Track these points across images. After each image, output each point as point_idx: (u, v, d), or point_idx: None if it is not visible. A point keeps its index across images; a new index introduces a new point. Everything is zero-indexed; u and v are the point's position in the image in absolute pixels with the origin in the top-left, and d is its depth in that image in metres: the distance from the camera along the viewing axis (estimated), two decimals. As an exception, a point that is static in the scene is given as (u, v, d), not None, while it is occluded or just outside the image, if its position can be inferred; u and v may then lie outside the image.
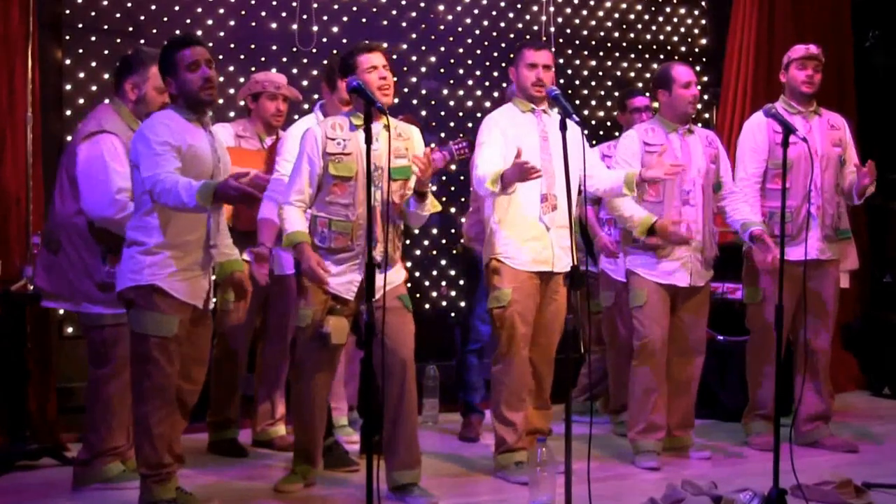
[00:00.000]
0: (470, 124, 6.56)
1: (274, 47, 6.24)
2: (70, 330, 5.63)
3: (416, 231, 6.41)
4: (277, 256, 5.00)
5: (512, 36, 6.94)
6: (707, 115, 7.67)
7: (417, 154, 4.28)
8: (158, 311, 3.87)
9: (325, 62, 5.12)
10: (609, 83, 7.38)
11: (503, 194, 4.55)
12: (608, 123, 7.30)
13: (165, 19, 5.91)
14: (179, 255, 3.91)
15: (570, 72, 7.23)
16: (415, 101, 6.62)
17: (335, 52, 6.27)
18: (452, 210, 6.65)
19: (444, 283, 6.76)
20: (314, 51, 6.31)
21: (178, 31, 5.78)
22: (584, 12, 7.30)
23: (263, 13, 6.22)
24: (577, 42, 7.28)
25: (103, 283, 4.25)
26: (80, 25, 5.75)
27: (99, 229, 4.30)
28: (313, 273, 4.17)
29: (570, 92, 7.13)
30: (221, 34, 6.08)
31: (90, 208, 4.26)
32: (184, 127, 3.94)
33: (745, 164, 5.26)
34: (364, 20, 6.53)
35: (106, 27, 5.80)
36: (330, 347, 4.27)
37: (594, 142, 6.53)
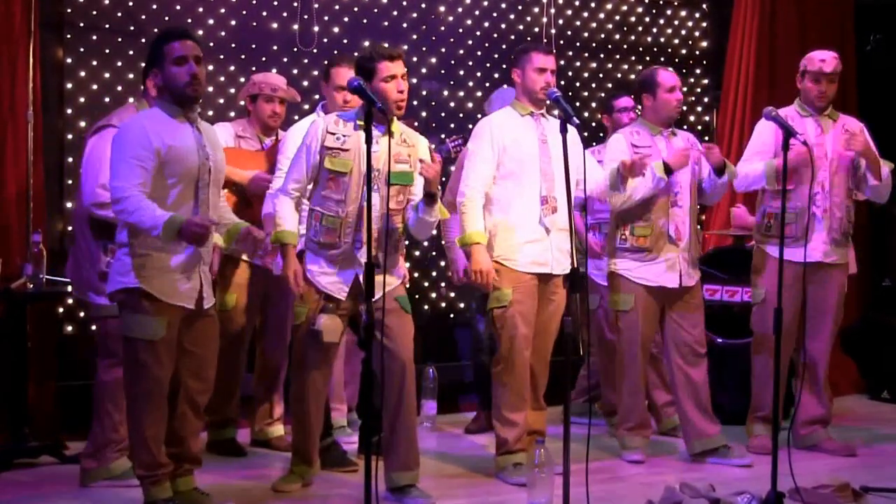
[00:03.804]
0: (470, 126, 6.52)
1: (275, 47, 6.24)
2: (70, 329, 5.64)
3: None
4: (277, 257, 5.01)
5: (513, 38, 6.94)
6: (707, 118, 7.67)
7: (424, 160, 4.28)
8: (145, 313, 3.85)
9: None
10: (609, 85, 7.37)
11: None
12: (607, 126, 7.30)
13: (167, 18, 5.91)
14: (164, 256, 3.88)
15: (570, 74, 7.23)
16: (415, 103, 6.61)
17: (336, 52, 6.29)
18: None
19: (443, 285, 6.76)
20: (315, 51, 6.31)
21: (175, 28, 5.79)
22: (585, 14, 7.30)
23: (264, 13, 6.22)
24: (578, 44, 7.28)
25: (103, 274, 4.27)
26: (82, 24, 5.75)
27: (98, 221, 4.34)
28: (286, 280, 4.24)
29: (570, 94, 7.13)
30: (222, 34, 6.08)
31: (82, 198, 4.38)
32: (165, 125, 3.89)
33: (748, 158, 5.27)
34: (365, 21, 6.53)
35: (107, 26, 5.80)
36: (323, 345, 4.27)
37: (593, 143, 6.53)
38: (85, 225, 4.42)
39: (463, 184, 4.67)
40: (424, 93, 6.74)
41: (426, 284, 6.72)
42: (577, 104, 7.18)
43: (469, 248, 4.58)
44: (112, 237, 4.13)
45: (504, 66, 6.75)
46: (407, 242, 4.62)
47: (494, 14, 6.96)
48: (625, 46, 7.46)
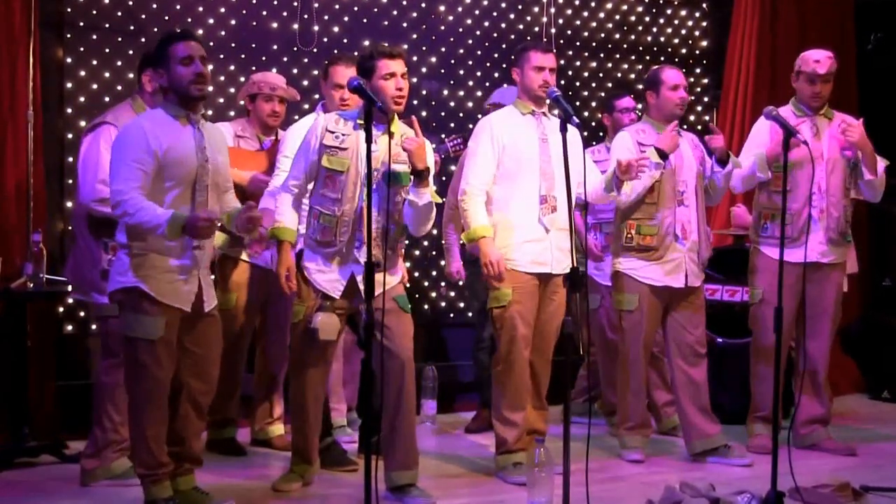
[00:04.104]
0: (470, 125, 6.53)
1: (275, 47, 6.24)
2: (70, 328, 5.63)
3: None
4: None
5: (513, 37, 6.94)
6: (707, 118, 7.67)
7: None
8: (143, 313, 3.85)
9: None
10: (609, 85, 7.38)
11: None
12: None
13: (167, 18, 5.91)
14: (161, 258, 3.88)
15: (570, 73, 7.23)
16: (415, 102, 6.61)
17: (336, 52, 6.29)
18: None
19: (443, 285, 6.76)
20: (315, 51, 6.31)
21: (178, 30, 5.79)
22: (585, 14, 7.30)
23: (264, 12, 6.22)
24: (578, 43, 7.28)
25: (105, 272, 4.26)
26: (82, 24, 5.76)
27: (96, 218, 4.34)
28: (279, 278, 4.25)
29: (570, 93, 7.13)
30: (222, 33, 6.08)
31: (79, 196, 4.40)
32: (165, 127, 3.90)
33: (745, 154, 5.27)
34: (365, 20, 6.53)
35: (107, 25, 5.80)
36: (320, 343, 4.27)
37: (593, 143, 6.54)
38: (83, 223, 4.42)
39: (463, 182, 4.67)
40: (424, 92, 6.74)
41: (426, 284, 6.72)
42: (577, 104, 7.18)
43: (476, 243, 4.57)
44: (111, 234, 4.13)
45: (504, 65, 6.75)
46: (407, 242, 4.61)
47: (494, 14, 6.96)
48: (625, 46, 7.46)
